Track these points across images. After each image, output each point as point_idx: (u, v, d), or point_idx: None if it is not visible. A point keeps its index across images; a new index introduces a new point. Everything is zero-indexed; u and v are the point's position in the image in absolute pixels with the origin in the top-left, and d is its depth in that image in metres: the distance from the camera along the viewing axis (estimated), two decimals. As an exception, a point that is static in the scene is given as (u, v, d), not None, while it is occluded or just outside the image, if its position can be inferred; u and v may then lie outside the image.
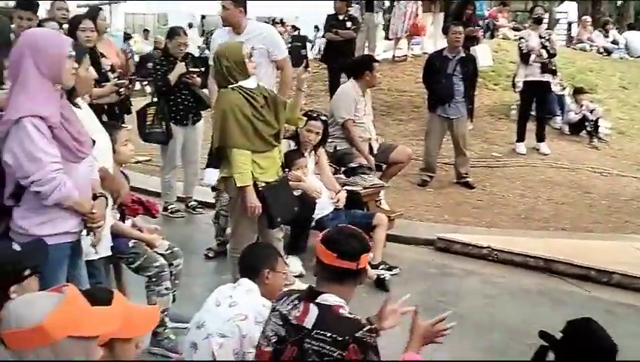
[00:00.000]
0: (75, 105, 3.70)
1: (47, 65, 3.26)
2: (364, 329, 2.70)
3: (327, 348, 2.66)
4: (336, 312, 2.74)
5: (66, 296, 2.07)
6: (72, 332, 2.00)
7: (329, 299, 2.78)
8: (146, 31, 24.42)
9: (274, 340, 2.85)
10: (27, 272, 2.78)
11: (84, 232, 3.46)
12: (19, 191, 3.27)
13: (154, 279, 4.32)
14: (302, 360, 2.72)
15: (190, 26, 19.92)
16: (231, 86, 4.62)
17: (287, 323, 2.82)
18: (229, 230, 5.89)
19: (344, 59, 9.74)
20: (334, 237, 2.89)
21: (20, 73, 3.27)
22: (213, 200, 6.69)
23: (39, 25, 5.84)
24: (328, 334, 2.67)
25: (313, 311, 2.76)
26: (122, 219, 4.45)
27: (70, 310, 2.02)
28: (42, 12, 6.90)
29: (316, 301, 2.79)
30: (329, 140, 6.68)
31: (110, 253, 4.12)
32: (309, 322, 2.74)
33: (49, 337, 1.97)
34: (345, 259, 2.82)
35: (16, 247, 2.88)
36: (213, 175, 5.79)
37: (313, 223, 5.94)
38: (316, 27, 20.69)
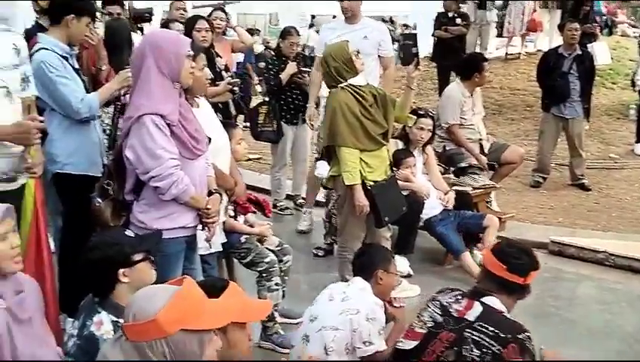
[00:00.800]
0: (193, 103, 3.82)
1: (167, 65, 3.36)
2: (526, 334, 2.79)
3: (487, 341, 2.78)
4: (499, 313, 2.83)
5: (179, 291, 2.12)
6: (185, 325, 2.05)
7: (495, 302, 2.89)
8: (257, 31, 24.86)
9: (430, 324, 2.98)
10: (138, 257, 2.90)
11: (200, 227, 3.57)
12: (139, 187, 3.41)
13: (264, 274, 4.40)
14: (459, 345, 2.82)
15: (311, 26, 20.12)
16: (340, 85, 4.64)
17: (447, 314, 2.93)
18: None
19: (454, 57, 9.60)
20: (506, 249, 3.01)
21: (141, 72, 3.40)
22: (322, 199, 6.74)
23: (164, 26, 6.05)
24: (491, 328, 2.80)
25: (477, 307, 2.90)
26: (235, 216, 4.55)
27: (183, 305, 2.07)
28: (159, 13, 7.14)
29: (481, 300, 2.88)
30: (438, 140, 6.60)
31: (222, 249, 4.23)
32: (471, 315, 2.87)
33: (162, 331, 2.03)
34: (514, 272, 2.94)
35: (130, 233, 3.02)
36: (325, 167, 5.84)
37: (421, 223, 5.89)
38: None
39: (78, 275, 3.23)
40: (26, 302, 2.78)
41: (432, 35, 11.36)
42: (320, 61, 4.76)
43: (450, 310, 2.98)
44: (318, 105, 6.96)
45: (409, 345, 3.10)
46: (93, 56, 4.79)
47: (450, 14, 10.93)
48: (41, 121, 3.49)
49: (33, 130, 3.31)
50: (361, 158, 4.63)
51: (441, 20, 11.03)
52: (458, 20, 10.87)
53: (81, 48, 4.64)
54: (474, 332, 2.84)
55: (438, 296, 3.12)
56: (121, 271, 2.86)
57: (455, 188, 6.26)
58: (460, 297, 3.03)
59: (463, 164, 6.67)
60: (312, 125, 6.91)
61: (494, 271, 2.96)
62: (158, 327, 2.03)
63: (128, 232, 3.05)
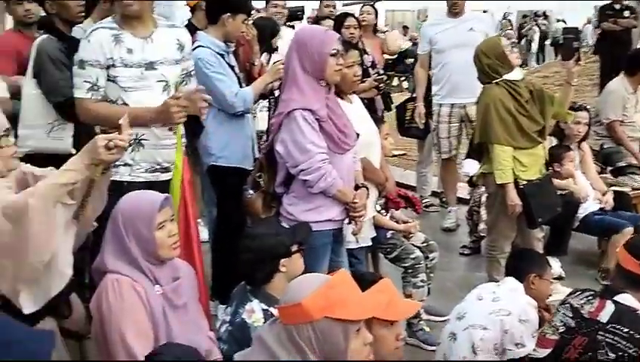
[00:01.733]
0: (345, 99, 3.85)
1: (310, 63, 3.40)
2: None
3: (623, 343, 2.66)
4: (634, 311, 2.70)
5: (329, 280, 2.17)
6: (329, 313, 2.09)
7: (628, 299, 2.76)
8: (405, 27, 24.79)
9: (561, 330, 2.88)
10: (295, 248, 2.97)
11: (346, 221, 3.59)
12: (289, 180, 3.47)
13: (410, 270, 4.36)
14: (593, 349, 2.73)
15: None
16: (495, 81, 4.52)
17: (579, 316, 2.83)
18: (481, 226, 5.79)
19: (622, 50, 9.11)
20: None
21: (289, 68, 3.47)
22: (467, 196, 6.61)
23: (315, 23, 6.15)
24: (625, 329, 2.68)
25: (609, 307, 2.78)
26: (386, 211, 4.54)
27: (330, 293, 2.11)
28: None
29: (614, 299, 2.76)
30: (595, 138, 6.30)
31: (370, 243, 4.24)
32: (603, 316, 2.78)
33: (307, 315, 2.08)
34: None
35: (285, 225, 3.12)
36: (472, 165, 5.71)
37: (576, 224, 5.64)
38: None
39: (231, 263, 3.35)
40: (181, 288, 2.89)
41: (597, 27, 10.82)
42: (473, 58, 4.64)
43: (582, 312, 2.89)
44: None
45: (542, 353, 2.99)
46: (248, 52, 4.94)
47: (617, 6, 10.38)
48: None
49: (174, 107, 3.36)
50: (514, 156, 4.48)
51: (607, 13, 10.49)
52: (626, 13, 10.31)
53: (237, 45, 4.79)
54: (607, 335, 2.75)
55: (568, 299, 3.02)
56: (282, 261, 2.95)
57: (613, 188, 5.94)
58: (591, 297, 2.91)
59: (621, 163, 6.33)
60: (423, 124, 6.80)
61: (628, 267, 2.84)
62: (303, 312, 2.09)
63: (282, 223, 3.14)
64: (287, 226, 3.19)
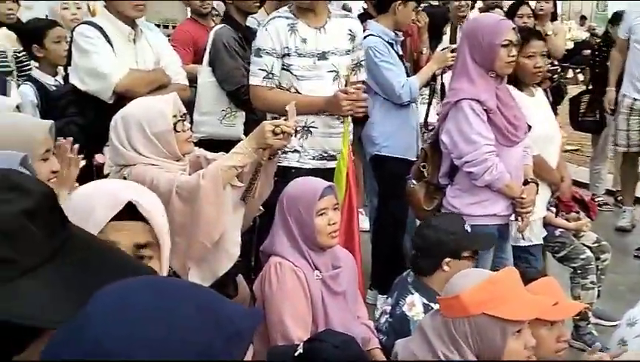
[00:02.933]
0: (526, 91, 3.73)
1: (479, 53, 3.31)
2: None
3: None
4: None
5: (492, 276, 2.11)
6: (487, 309, 2.03)
7: None
8: (583, 18, 23.63)
9: None
10: (467, 254, 2.91)
11: (513, 217, 3.46)
12: (453, 171, 3.40)
13: (579, 271, 4.15)
14: None
15: None
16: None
17: None
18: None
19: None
20: None
21: (459, 58, 3.40)
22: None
23: (485, 11, 5.99)
24: None
25: None
26: (557, 213, 4.34)
27: (490, 288, 2.06)
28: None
29: None
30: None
31: (542, 242, 4.07)
32: None
33: (465, 309, 2.05)
34: None
35: (467, 228, 3.05)
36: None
37: None
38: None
39: (391, 253, 3.35)
40: (340, 276, 2.91)
41: None
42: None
43: None
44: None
45: None
46: (416, 41, 4.90)
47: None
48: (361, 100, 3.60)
49: (344, 100, 3.39)
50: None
51: None
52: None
53: (405, 35, 4.76)
54: None
55: None
56: (447, 259, 2.91)
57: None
58: None
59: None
60: (611, 110, 6.35)
61: None
62: (461, 305, 2.06)
63: (467, 226, 3.06)
64: (473, 232, 3.11)
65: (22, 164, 1.75)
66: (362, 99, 3.47)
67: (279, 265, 2.80)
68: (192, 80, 4.19)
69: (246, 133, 3.94)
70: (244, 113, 4.05)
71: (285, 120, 2.72)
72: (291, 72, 3.50)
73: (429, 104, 4.69)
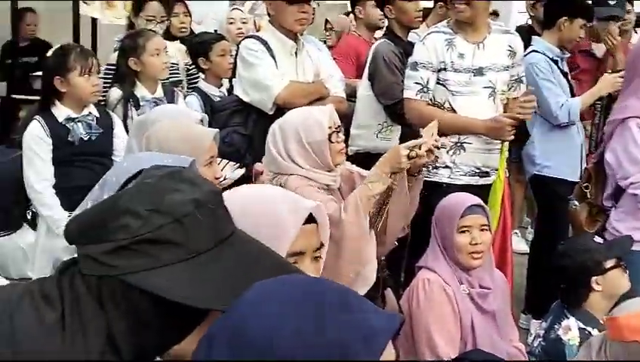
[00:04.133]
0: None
1: None
2: None
3: None
4: None
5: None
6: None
7: None
8: None
9: None
10: (610, 264, 2.79)
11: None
12: (618, 192, 3.22)
13: None
14: None
15: None
16: None
17: None
18: None
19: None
20: None
21: (627, 76, 3.25)
22: None
23: None
24: None
25: None
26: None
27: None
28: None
29: None
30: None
31: None
32: None
33: (619, 333, 2.04)
34: None
35: (598, 239, 2.95)
36: None
37: None
38: None
39: (547, 278, 3.21)
40: (490, 296, 2.84)
41: None
42: None
43: None
44: None
45: None
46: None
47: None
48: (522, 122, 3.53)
49: (507, 126, 3.35)
50: None
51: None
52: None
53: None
54: None
55: None
56: (593, 278, 2.80)
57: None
58: None
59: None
60: None
61: None
62: (616, 327, 2.04)
63: (596, 238, 2.93)
64: (605, 240, 2.97)
65: (190, 168, 1.85)
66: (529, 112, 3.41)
67: (427, 280, 2.77)
68: (352, 94, 4.24)
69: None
70: (400, 127, 4.05)
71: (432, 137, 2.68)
72: (446, 87, 3.48)
73: (597, 123, 4.47)
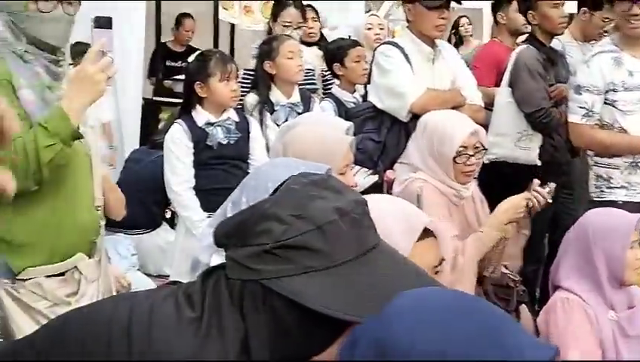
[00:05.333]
0: None
1: None
2: None
3: None
4: None
5: None
6: None
7: None
8: None
9: None
10: None
11: None
12: None
13: None
14: None
15: None
16: None
17: None
18: None
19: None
20: None
21: None
22: None
23: None
24: None
25: None
26: None
27: None
28: None
29: None
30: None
31: None
32: None
33: None
34: None
35: None
36: None
37: None
38: None
39: None
40: (636, 317, 2.68)
41: None
42: None
43: None
44: None
45: None
46: None
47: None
48: None
49: None
50: None
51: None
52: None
53: None
54: None
55: None
56: None
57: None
58: None
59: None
60: None
61: None
62: None
63: None
64: None
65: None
66: None
67: (567, 300, 2.63)
68: (489, 103, 4.12)
69: (540, 158, 3.82)
70: (540, 137, 3.91)
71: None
72: (616, 108, 3.37)
73: None
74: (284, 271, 1.01)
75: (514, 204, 2.65)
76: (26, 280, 2.25)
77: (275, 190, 1.12)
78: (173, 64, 6.96)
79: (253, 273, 1.03)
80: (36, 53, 2.22)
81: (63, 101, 2.15)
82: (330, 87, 4.51)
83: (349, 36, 5.05)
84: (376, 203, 1.68)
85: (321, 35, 5.18)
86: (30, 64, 2.21)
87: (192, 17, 7.11)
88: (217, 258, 1.70)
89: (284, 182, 1.12)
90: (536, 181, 2.79)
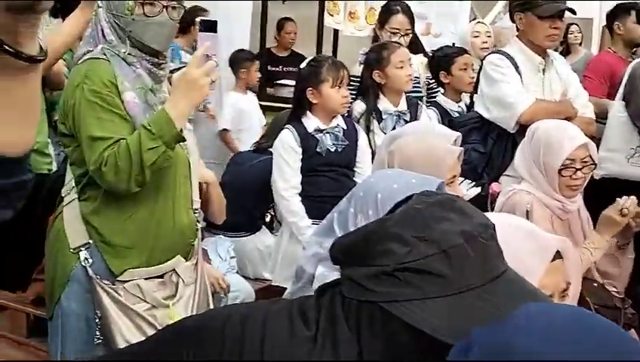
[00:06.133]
0: None
1: None
2: None
3: None
4: None
5: None
6: None
7: None
8: None
9: None
10: None
11: None
12: None
13: None
14: None
15: None
16: None
17: None
18: None
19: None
20: None
21: None
22: None
23: None
24: None
25: None
26: None
27: None
28: None
29: None
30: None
31: None
32: None
33: None
34: None
35: None
36: None
37: None
38: None
39: None
40: None
41: None
42: None
43: None
44: None
45: None
46: None
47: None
48: None
49: None
50: None
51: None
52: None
53: None
54: None
55: None
56: None
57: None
58: None
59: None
60: None
61: None
62: None
63: None
64: None
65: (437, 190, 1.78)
66: None
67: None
68: (601, 115, 3.96)
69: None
70: (655, 153, 3.72)
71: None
72: None
73: None
74: (404, 294, 0.97)
75: (611, 220, 2.64)
76: (126, 281, 2.27)
77: (395, 207, 1.08)
78: (274, 69, 6.97)
79: (371, 294, 0.99)
80: (139, 56, 2.25)
81: (167, 104, 2.17)
82: (434, 95, 4.43)
83: (453, 43, 4.95)
84: (499, 221, 1.62)
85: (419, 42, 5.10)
86: (133, 67, 2.24)
87: (294, 21, 7.15)
88: (322, 268, 1.67)
89: (406, 199, 1.07)
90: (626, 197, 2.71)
